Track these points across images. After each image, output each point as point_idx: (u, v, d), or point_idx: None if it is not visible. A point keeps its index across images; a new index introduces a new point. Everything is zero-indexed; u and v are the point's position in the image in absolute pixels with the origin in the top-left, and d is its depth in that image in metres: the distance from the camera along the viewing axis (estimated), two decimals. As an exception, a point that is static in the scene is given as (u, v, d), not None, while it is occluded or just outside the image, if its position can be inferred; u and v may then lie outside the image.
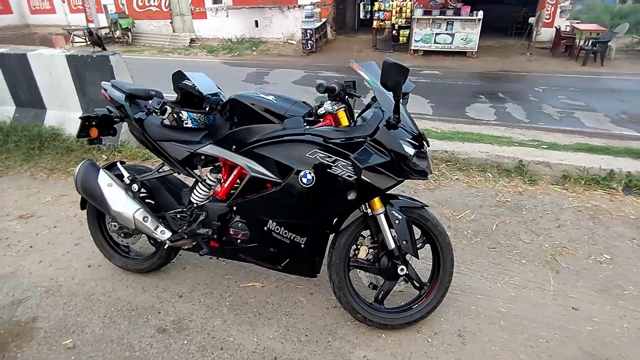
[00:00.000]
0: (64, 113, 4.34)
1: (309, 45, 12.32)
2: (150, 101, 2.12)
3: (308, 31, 12.16)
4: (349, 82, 1.76)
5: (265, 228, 1.88)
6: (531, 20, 11.19)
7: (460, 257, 2.46)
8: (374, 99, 1.83)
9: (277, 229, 1.87)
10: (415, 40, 11.31)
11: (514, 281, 2.29)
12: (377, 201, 1.81)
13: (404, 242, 1.83)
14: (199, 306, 2.17)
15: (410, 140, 1.68)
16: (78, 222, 2.97)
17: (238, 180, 1.98)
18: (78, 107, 4.26)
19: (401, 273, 1.89)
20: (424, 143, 1.73)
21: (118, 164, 2.16)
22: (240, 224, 1.95)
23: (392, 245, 1.85)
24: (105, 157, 3.99)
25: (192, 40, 16.55)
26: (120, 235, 2.28)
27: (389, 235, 1.84)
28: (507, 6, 13.89)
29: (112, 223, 2.24)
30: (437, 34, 11.06)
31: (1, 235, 2.85)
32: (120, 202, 2.04)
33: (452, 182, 3.38)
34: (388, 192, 1.79)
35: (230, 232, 1.97)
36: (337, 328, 2.02)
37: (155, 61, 12.89)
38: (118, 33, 17.21)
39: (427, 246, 2.00)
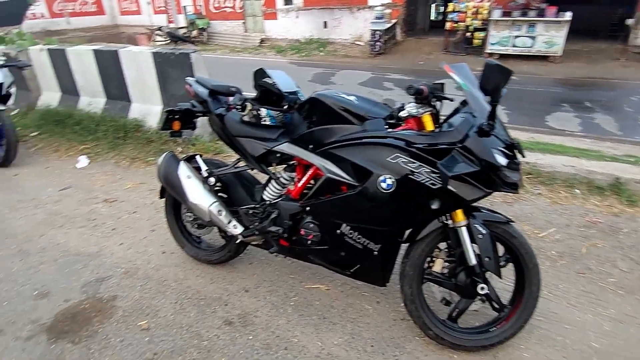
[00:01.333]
0: (146, 106, 4.64)
1: (377, 46, 12.17)
2: (230, 97, 2.17)
3: (377, 32, 12.01)
4: (438, 84, 1.65)
5: (338, 231, 1.83)
6: (629, 22, 10.12)
7: (543, 279, 2.23)
8: (463, 103, 1.70)
9: (350, 234, 1.82)
10: (492, 43, 10.71)
11: (609, 314, 2.04)
12: (460, 213, 1.68)
13: (487, 259, 1.69)
14: (264, 303, 2.18)
15: (502, 150, 1.54)
16: (154, 210, 3.14)
17: (312, 181, 1.96)
18: (159, 101, 4.53)
19: (480, 292, 1.74)
20: (518, 153, 1.58)
21: (197, 157, 2.23)
22: (311, 225, 1.92)
23: (473, 261, 1.71)
24: (181, 150, 4.20)
25: (262, 41, 17.08)
26: (194, 226, 2.36)
27: (470, 250, 1.71)
28: (598, 7, 12.67)
29: (188, 214, 2.33)
30: (516, 37, 10.38)
31: (90, 217, 3.09)
32: (197, 194, 2.11)
33: (534, 197, 3.11)
34: (473, 203, 1.66)
35: (301, 232, 1.95)
36: (404, 342, 1.92)
37: (226, 60, 13.46)
38: (195, 33, 18.24)
39: (509, 265, 1.83)
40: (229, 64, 12.33)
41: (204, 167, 2.18)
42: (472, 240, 1.71)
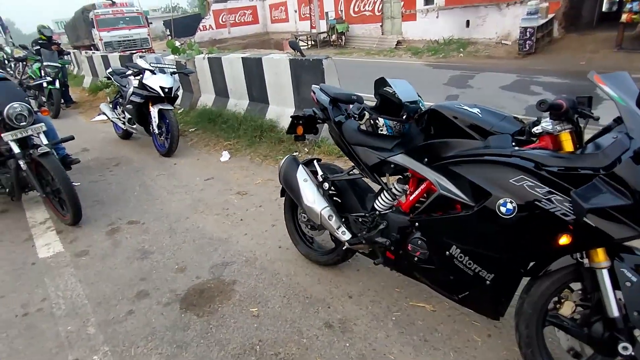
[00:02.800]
0: (281, 108, 5.05)
1: (527, 45, 10.95)
2: (351, 105, 2.21)
3: (528, 30, 10.80)
4: (583, 98, 1.40)
5: (447, 253, 1.71)
6: None
7: None
8: (617, 120, 1.41)
9: (461, 257, 1.67)
10: (684, 38, 8.62)
11: None
12: (601, 252, 1.40)
13: (635, 314, 1.36)
14: (366, 312, 2.16)
15: (669, 182, 1.22)
16: (277, 206, 3.39)
17: (425, 195, 1.86)
18: (292, 104, 4.88)
19: (623, 353, 1.42)
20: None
21: (315, 162, 2.33)
22: (419, 242, 1.83)
23: (615, 313, 1.40)
24: (307, 150, 4.45)
25: (398, 42, 16.94)
26: (308, 227, 2.47)
27: (611, 299, 1.40)
28: None
29: (302, 214, 2.45)
30: None
31: (225, 206, 3.51)
32: (311, 197, 2.20)
33: None
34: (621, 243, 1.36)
35: (409, 247, 1.87)
36: (516, 388, 1.69)
37: (360, 62, 13.73)
38: (334, 37, 19.09)
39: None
40: (362, 66, 12.56)
41: (320, 172, 2.27)
42: (616, 287, 1.40)
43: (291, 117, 2.42)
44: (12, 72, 14.44)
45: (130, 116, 5.15)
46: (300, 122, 2.41)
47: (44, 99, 8.23)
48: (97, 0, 20.87)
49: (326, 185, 2.23)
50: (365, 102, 2.13)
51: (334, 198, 2.34)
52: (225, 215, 3.36)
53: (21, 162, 3.19)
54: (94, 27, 19.67)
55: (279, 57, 4.90)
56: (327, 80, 4.29)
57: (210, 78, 6.27)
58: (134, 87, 4.84)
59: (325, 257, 2.49)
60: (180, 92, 4.95)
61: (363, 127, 2.04)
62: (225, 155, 4.69)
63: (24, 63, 9.39)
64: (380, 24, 17.89)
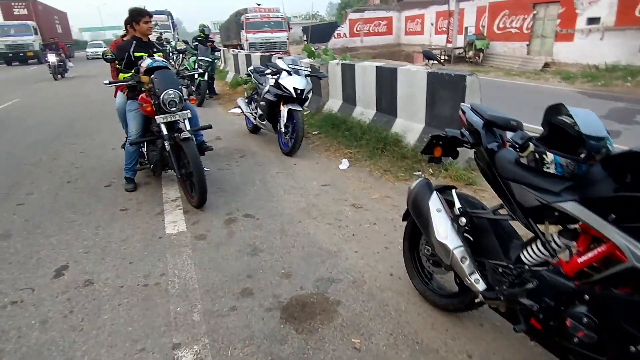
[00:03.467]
0: (409, 123, 4.76)
1: None
2: (508, 132, 1.85)
3: None
4: None
5: (632, 349, 1.26)
6: None
7: None
8: None
9: (654, 360, 1.22)
10: None
11: None
12: None
13: None
14: (488, 382, 1.78)
15: None
16: (393, 226, 3.14)
17: (602, 261, 1.43)
18: (422, 120, 4.56)
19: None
20: None
21: (453, 191, 2.02)
22: (586, 320, 1.40)
23: None
24: (432, 171, 4.10)
25: (545, 65, 15.22)
26: (429, 261, 2.17)
27: None
28: None
29: (427, 247, 2.16)
30: None
31: (338, 216, 3.38)
32: (444, 231, 1.90)
33: None
34: None
35: (567, 322, 1.45)
36: None
37: (499, 84, 12.61)
38: (470, 53, 18.00)
39: None
40: (502, 88, 11.52)
41: (457, 204, 1.95)
42: None
43: (431, 136, 2.14)
44: (173, 62, 16.86)
45: (261, 112, 5.40)
46: (440, 142, 2.13)
47: (193, 88, 9.31)
48: (250, 5, 23.13)
49: (463, 220, 1.91)
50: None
51: (467, 235, 2.00)
52: (337, 226, 3.22)
53: (166, 143, 3.51)
54: (243, 29, 21.80)
55: (415, 69, 4.63)
56: (468, 100, 3.88)
57: (340, 84, 6.29)
58: (270, 85, 5.06)
59: (444, 301, 2.16)
60: (309, 95, 5.03)
61: (524, 160, 1.67)
62: (344, 163, 4.59)
63: (183, 55, 10.78)
64: (527, 42, 16.26)
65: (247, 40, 21.37)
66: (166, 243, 3.05)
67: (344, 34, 28.33)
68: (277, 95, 4.90)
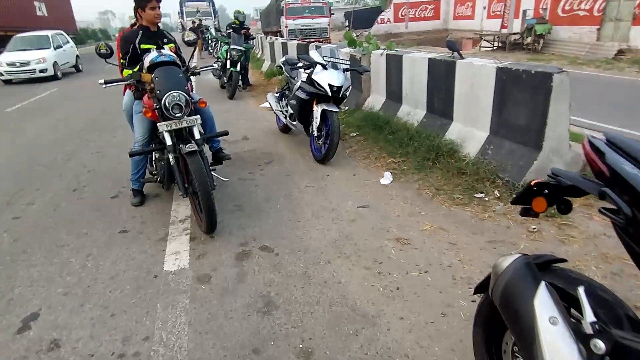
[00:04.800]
0: (468, 129, 3.89)
1: None
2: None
3: None
4: None
5: None
6: None
7: None
8: None
9: None
10: None
11: None
12: None
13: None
14: None
15: None
16: (451, 278, 2.36)
17: None
18: (486, 127, 3.67)
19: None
20: None
21: (581, 289, 1.21)
22: None
23: None
24: (497, 195, 3.23)
25: (619, 52, 13.44)
26: (520, 373, 1.40)
27: None
28: None
29: (513, 348, 1.39)
30: None
31: (378, 256, 2.64)
32: (557, 356, 1.12)
33: None
34: None
35: None
36: None
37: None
38: (529, 39, 16.31)
39: None
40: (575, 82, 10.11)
41: (589, 315, 1.14)
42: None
43: (530, 183, 1.35)
44: (212, 50, 16.47)
45: (292, 111, 4.71)
46: (545, 191, 1.33)
47: (225, 79, 8.76)
48: (291, -10, 22.32)
49: (600, 346, 1.11)
50: None
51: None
52: (377, 272, 2.48)
53: (170, 156, 2.90)
54: (283, 15, 21.07)
55: (480, 64, 3.72)
56: (554, 106, 2.97)
57: (384, 77, 5.45)
58: (302, 81, 4.33)
59: None
60: (348, 93, 4.26)
61: None
62: (386, 177, 3.81)
63: (220, 44, 10.26)
64: (598, 27, 14.42)
65: (286, 26, 20.64)
66: (161, 286, 2.45)
67: (388, 19, 26.95)
68: (309, 93, 4.17)
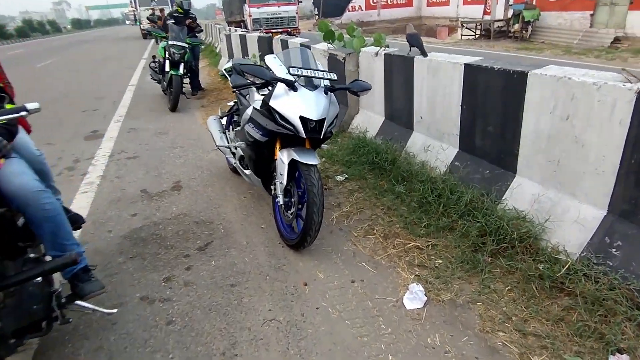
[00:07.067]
0: (554, 195, 2.16)
1: None
2: None
3: None
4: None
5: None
6: None
7: None
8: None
9: None
10: None
11: None
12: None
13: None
14: None
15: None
16: None
17: None
18: (599, 198, 1.98)
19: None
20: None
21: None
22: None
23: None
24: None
25: (615, 40, 12.23)
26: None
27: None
28: None
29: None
30: None
31: None
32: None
33: None
34: None
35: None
36: None
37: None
38: (516, 27, 14.94)
39: None
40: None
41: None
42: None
43: None
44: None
45: (242, 154, 2.89)
46: None
47: (165, 85, 6.74)
48: (254, -25, 20.05)
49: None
50: None
51: None
52: None
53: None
54: (246, 3, 18.86)
55: (581, 79, 2.01)
56: None
57: (381, 88, 3.70)
58: (254, 107, 2.51)
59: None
60: (334, 129, 2.48)
61: None
62: (414, 294, 2.05)
63: (158, 39, 8.16)
64: (591, 12, 13.18)
65: (250, 15, 18.44)
66: None
67: (360, 6, 25.24)
68: (266, 131, 2.36)
